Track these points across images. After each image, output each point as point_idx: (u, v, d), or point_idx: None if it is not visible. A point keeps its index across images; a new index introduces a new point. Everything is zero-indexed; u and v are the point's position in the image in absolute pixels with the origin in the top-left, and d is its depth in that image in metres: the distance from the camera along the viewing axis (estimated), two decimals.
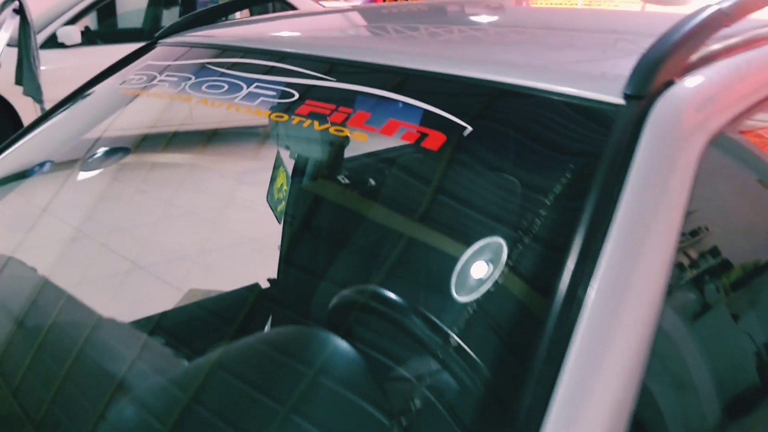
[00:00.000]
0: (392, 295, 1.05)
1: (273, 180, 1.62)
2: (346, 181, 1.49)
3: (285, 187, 1.59)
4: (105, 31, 7.17)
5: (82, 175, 1.58)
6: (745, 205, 1.05)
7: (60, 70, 5.81)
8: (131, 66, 1.49)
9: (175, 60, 1.38)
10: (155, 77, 1.34)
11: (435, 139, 0.90)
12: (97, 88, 1.51)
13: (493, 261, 0.85)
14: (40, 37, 6.01)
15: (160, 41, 1.55)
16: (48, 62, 6.01)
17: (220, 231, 2.49)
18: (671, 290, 0.76)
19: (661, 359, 0.82)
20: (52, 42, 6.02)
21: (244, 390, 0.90)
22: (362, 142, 0.96)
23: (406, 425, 0.80)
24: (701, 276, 0.91)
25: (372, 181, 1.47)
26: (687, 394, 0.89)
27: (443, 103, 0.93)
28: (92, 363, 1.09)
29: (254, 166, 1.97)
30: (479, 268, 0.88)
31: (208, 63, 1.28)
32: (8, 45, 3.63)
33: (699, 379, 0.90)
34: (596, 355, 0.66)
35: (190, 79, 1.26)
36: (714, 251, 0.94)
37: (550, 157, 0.89)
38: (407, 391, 0.90)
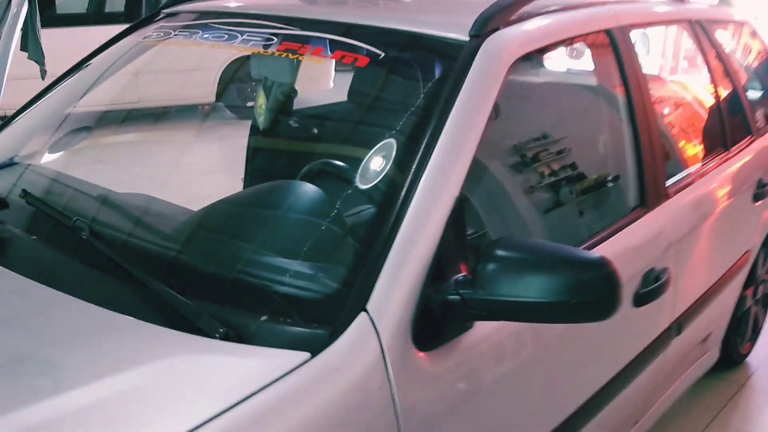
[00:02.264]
0: (338, 163, 1.72)
1: (256, 101, 2.28)
2: None
3: (263, 105, 2.25)
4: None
5: None
6: (528, 98, 1.76)
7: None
8: (146, 28, 2.08)
9: (183, 22, 1.99)
10: (171, 33, 1.96)
11: (363, 60, 1.56)
12: (120, 44, 2.10)
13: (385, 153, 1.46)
14: None
15: (163, 11, 2.15)
16: None
17: None
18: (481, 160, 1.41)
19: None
20: None
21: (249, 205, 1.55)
22: (319, 64, 1.61)
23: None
24: (499, 150, 1.61)
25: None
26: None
27: (366, 41, 1.59)
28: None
29: None
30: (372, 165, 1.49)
31: (210, 22, 1.90)
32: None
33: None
34: (416, 233, 1.24)
35: (198, 32, 1.88)
36: (507, 134, 1.64)
37: (424, 70, 1.56)
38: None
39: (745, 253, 2.57)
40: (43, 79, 2.98)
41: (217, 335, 1.14)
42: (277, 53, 1.68)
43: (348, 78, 2.33)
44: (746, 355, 3.01)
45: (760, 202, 2.58)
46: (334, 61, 1.73)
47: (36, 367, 1.12)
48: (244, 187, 2.36)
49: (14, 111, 2.17)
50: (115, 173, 2.81)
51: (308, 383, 1.09)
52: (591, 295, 1.18)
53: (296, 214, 1.48)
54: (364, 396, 1.13)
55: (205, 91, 7.25)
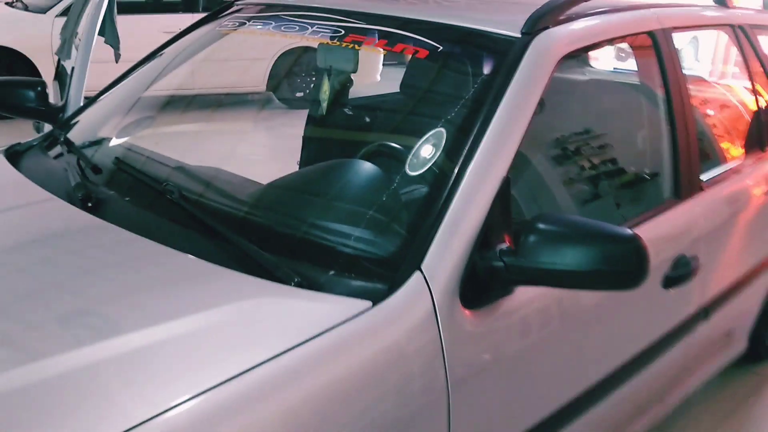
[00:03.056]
0: (395, 145, 1.90)
1: (320, 88, 2.47)
2: None
3: (327, 92, 2.43)
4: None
5: None
6: (572, 93, 1.91)
7: None
8: (220, 18, 2.28)
9: (256, 13, 2.19)
10: (245, 23, 2.15)
11: (422, 53, 1.73)
12: (195, 33, 2.30)
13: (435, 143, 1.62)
14: (62, 5, 6.71)
15: (236, 3, 2.35)
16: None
17: None
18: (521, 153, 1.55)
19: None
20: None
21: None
22: (368, 57, 1.78)
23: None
24: (542, 141, 1.76)
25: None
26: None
27: (425, 35, 1.75)
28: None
29: None
30: (426, 149, 1.66)
31: (281, 14, 2.09)
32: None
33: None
34: (467, 206, 1.41)
35: (270, 23, 2.07)
36: (551, 127, 1.79)
37: (478, 63, 1.72)
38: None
39: None
40: (117, 63, 3.20)
41: (292, 283, 1.32)
42: (344, 44, 1.86)
43: (393, 72, 2.51)
44: None
45: None
46: (382, 54, 1.91)
47: (139, 300, 1.32)
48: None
49: (93, 92, 2.39)
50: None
51: (369, 327, 1.27)
52: (622, 265, 1.34)
53: (362, 186, 1.66)
54: (418, 342, 1.30)
55: (257, 81, 7.51)
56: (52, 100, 2.41)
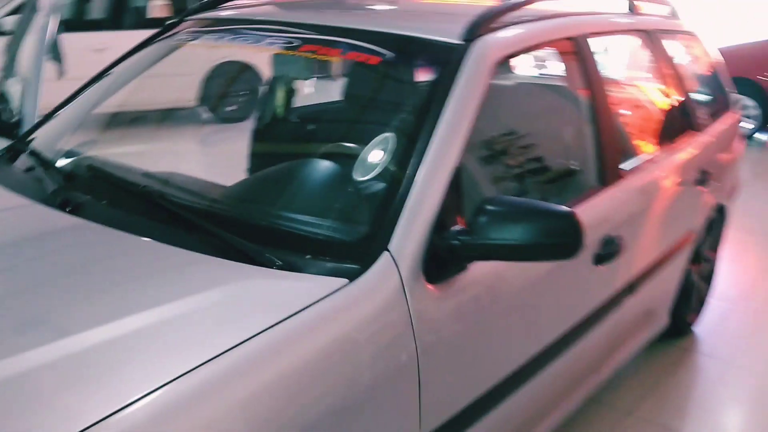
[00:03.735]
0: (353, 145, 2.08)
1: (273, 95, 2.62)
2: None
3: (283, 98, 2.59)
4: None
5: None
6: (505, 95, 2.13)
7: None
8: (173, 31, 2.40)
9: (208, 27, 2.32)
10: (200, 36, 2.28)
11: (374, 60, 1.91)
12: (152, 46, 2.41)
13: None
14: None
15: (186, 18, 2.47)
16: None
17: None
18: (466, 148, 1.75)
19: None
20: None
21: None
22: (337, 62, 1.96)
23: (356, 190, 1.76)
24: (480, 140, 1.96)
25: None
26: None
27: (376, 43, 1.93)
28: None
29: None
30: (384, 146, 1.84)
31: (235, 27, 2.23)
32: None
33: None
34: (425, 193, 1.59)
35: (225, 36, 2.21)
36: (487, 126, 1.99)
37: (425, 66, 1.91)
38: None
39: (689, 231, 2.97)
40: (59, 79, 3.26)
41: (274, 266, 1.47)
42: (299, 53, 2.02)
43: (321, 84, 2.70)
44: (692, 325, 3.41)
45: (701, 188, 2.98)
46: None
47: (134, 283, 1.44)
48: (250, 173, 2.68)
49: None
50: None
51: (347, 300, 1.43)
52: (560, 237, 1.54)
53: (331, 181, 1.82)
54: (390, 311, 1.47)
55: (189, 96, 7.54)
56: None
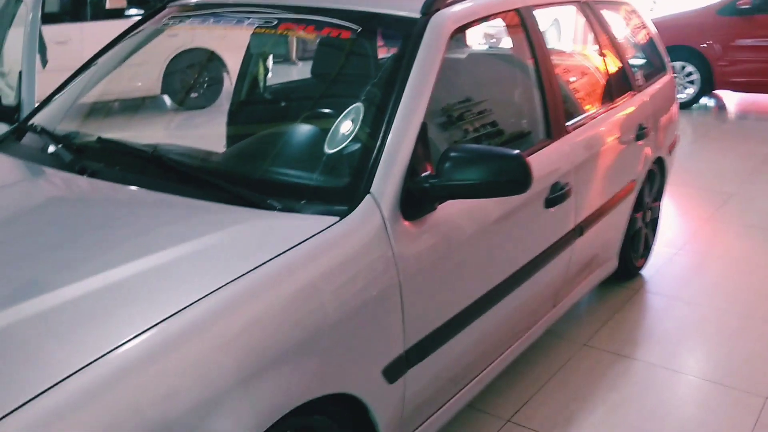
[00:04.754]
0: (329, 111, 2.34)
1: (252, 71, 2.88)
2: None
3: (263, 73, 2.84)
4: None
5: None
6: (460, 62, 2.41)
7: None
8: (159, 16, 2.63)
9: (192, 11, 2.56)
10: (186, 19, 2.52)
11: (345, 34, 2.18)
12: (141, 29, 2.64)
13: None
14: None
15: (169, 5, 2.70)
16: None
17: None
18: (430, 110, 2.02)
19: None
20: None
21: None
22: (313, 38, 2.23)
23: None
24: (441, 103, 2.24)
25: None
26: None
27: (345, 20, 2.20)
28: None
29: None
30: (360, 106, 2.12)
31: (217, 11, 2.47)
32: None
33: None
34: (397, 146, 1.89)
35: (210, 18, 2.45)
36: (445, 90, 2.27)
37: (390, 37, 2.18)
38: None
39: (632, 181, 3.30)
40: (44, 68, 3.45)
41: (276, 209, 1.75)
42: (278, 32, 2.28)
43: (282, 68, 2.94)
44: (640, 269, 3.77)
45: (641, 142, 3.32)
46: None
47: (156, 228, 1.70)
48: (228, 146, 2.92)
49: None
50: None
51: (338, 234, 1.71)
52: (512, 175, 1.84)
53: (317, 140, 2.08)
54: (375, 243, 1.75)
55: (151, 85, 7.68)
56: None
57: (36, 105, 2.67)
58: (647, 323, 3.34)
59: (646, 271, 3.81)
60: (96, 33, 7.30)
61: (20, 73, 2.91)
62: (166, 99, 8.18)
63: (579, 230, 2.75)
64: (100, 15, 7.85)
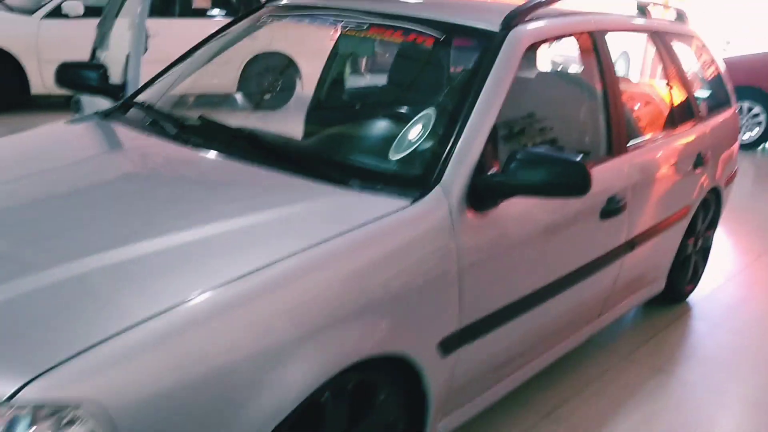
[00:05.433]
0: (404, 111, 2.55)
1: (340, 67, 3.13)
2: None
3: (348, 71, 3.08)
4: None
5: None
6: (530, 81, 2.60)
7: (63, 37, 6.99)
8: (257, 14, 2.88)
9: (291, 12, 2.81)
10: (285, 17, 2.77)
11: (429, 41, 2.39)
12: (239, 24, 2.90)
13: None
14: (48, 8, 7.15)
15: (267, 4, 2.96)
16: (53, 29, 7.16)
17: None
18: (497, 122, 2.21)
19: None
20: (57, 13, 7.14)
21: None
22: (397, 42, 2.45)
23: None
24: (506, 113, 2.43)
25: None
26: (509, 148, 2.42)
27: (430, 29, 2.41)
28: None
29: None
30: (437, 108, 2.33)
31: (313, 13, 2.72)
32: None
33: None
34: (468, 144, 2.08)
35: (306, 19, 2.70)
36: (516, 108, 2.45)
37: (470, 49, 2.38)
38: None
39: (686, 206, 3.42)
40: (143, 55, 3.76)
41: (355, 189, 1.96)
42: (368, 34, 2.51)
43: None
44: (688, 295, 3.86)
45: (698, 170, 3.43)
46: None
47: (248, 195, 1.93)
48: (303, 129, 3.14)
49: None
50: None
51: (409, 217, 1.91)
52: (573, 179, 2.00)
53: (398, 133, 2.27)
54: (439, 229, 1.94)
55: (229, 83, 8.04)
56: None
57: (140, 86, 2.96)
58: (689, 345, 3.44)
59: (692, 298, 3.90)
60: (182, 29, 7.72)
61: (127, 56, 3.20)
62: (240, 98, 8.54)
63: (630, 245, 2.89)
64: (186, 13, 8.27)
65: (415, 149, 2.17)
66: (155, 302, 1.47)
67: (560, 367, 2.90)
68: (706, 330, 3.58)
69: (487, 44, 2.31)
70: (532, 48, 2.45)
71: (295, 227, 1.81)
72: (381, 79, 3.09)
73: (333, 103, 3.20)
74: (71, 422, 1.30)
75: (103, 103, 3.04)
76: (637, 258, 3.00)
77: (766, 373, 3.18)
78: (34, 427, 1.29)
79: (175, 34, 7.90)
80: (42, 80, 7.13)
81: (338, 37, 3.04)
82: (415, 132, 2.22)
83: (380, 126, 2.43)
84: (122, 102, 2.74)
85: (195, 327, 1.46)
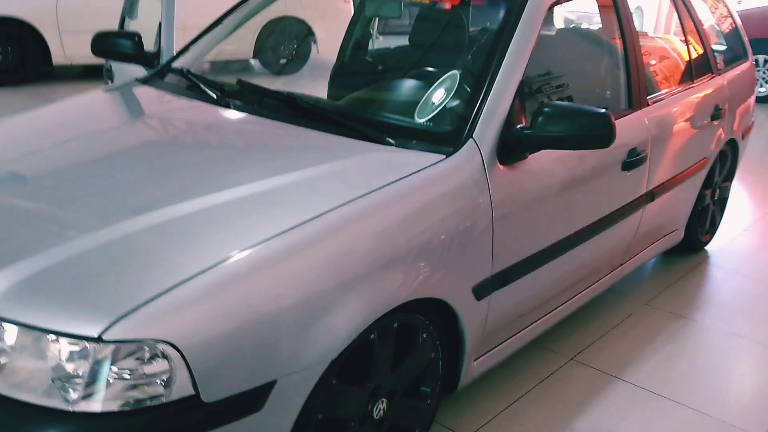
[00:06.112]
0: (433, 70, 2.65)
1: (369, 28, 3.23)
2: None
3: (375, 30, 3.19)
4: None
5: None
6: (551, 39, 2.68)
7: (82, 7, 7.08)
8: None
9: None
10: None
11: (456, 1, 2.48)
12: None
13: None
14: None
15: None
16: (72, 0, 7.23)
17: None
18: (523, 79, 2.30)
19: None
20: None
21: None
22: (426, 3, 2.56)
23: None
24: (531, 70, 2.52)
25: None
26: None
27: None
28: None
29: None
30: (468, 64, 2.44)
31: None
32: None
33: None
34: (497, 100, 2.19)
35: None
36: (541, 64, 2.54)
37: (499, 7, 2.47)
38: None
39: (704, 158, 3.51)
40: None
41: (393, 144, 2.08)
42: None
43: None
44: (706, 244, 3.97)
45: (716, 122, 3.52)
46: None
47: (292, 153, 2.06)
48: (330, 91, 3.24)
49: None
50: None
51: (445, 169, 2.03)
52: (598, 130, 2.11)
53: (432, 91, 2.38)
54: (474, 181, 2.06)
55: (246, 49, 8.11)
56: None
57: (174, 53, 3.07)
58: (707, 291, 3.56)
59: (710, 247, 4.01)
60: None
61: (159, 24, 3.31)
62: (255, 63, 8.62)
63: (650, 196, 3.00)
64: None
65: (447, 106, 2.28)
66: (206, 257, 1.59)
67: (585, 313, 3.03)
68: (723, 277, 3.71)
69: (512, 4, 2.40)
70: (555, 5, 2.54)
71: (338, 182, 1.94)
72: (397, 41, 3.17)
73: (361, 65, 3.30)
74: (152, 359, 1.45)
75: (135, 71, 3.17)
76: (657, 208, 3.11)
77: None
78: (120, 363, 1.44)
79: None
80: (63, 50, 7.23)
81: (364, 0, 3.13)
82: (446, 89, 2.33)
83: (412, 85, 2.53)
84: (159, 68, 2.86)
85: (238, 279, 1.57)
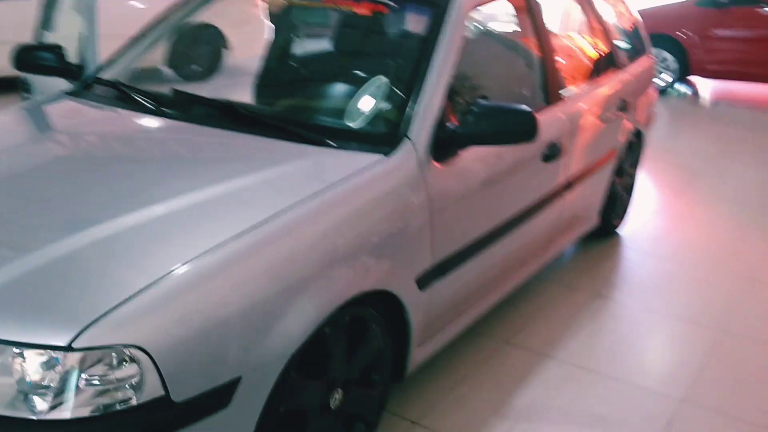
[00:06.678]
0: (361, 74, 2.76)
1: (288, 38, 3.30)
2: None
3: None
4: None
5: None
6: (474, 42, 2.85)
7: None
8: None
9: None
10: None
11: (382, 9, 2.60)
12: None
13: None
14: None
15: None
16: None
17: None
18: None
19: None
20: None
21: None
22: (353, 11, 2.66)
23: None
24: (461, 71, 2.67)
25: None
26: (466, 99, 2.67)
27: None
28: None
29: None
30: (399, 69, 2.56)
31: None
32: None
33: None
34: (429, 101, 2.33)
35: None
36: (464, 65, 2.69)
37: (422, 12, 2.61)
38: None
39: (613, 148, 3.76)
40: None
41: (334, 146, 2.18)
42: (325, 5, 2.70)
43: None
44: (617, 227, 4.25)
45: (623, 114, 3.78)
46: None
47: (230, 160, 2.12)
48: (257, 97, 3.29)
49: None
50: None
51: (383, 169, 2.15)
52: (522, 126, 2.27)
53: (367, 94, 2.48)
54: (411, 178, 2.19)
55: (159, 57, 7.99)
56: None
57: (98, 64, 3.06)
58: (623, 271, 3.83)
59: (623, 231, 4.29)
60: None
61: (79, 35, 3.28)
62: (166, 70, 8.50)
63: (569, 185, 3.21)
64: None
65: (383, 108, 2.40)
66: (156, 268, 1.64)
67: (514, 299, 3.21)
68: (638, 258, 3.98)
69: (436, 9, 2.54)
70: (475, 10, 2.69)
71: (283, 185, 2.02)
72: (319, 44, 3.25)
73: (290, 71, 3.37)
74: (120, 363, 1.50)
75: (54, 83, 3.13)
76: (575, 197, 3.33)
77: (688, 292, 3.59)
78: (89, 370, 1.48)
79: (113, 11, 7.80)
80: None
81: (288, 7, 3.20)
82: (382, 92, 2.45)
83: (348, 89, 2.63)
84: (87, 78, 2.85)
85: (190, 288, 1.63)
